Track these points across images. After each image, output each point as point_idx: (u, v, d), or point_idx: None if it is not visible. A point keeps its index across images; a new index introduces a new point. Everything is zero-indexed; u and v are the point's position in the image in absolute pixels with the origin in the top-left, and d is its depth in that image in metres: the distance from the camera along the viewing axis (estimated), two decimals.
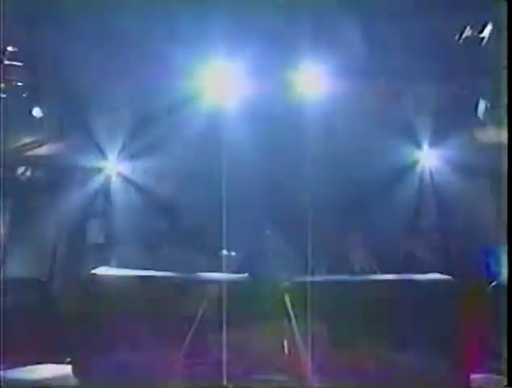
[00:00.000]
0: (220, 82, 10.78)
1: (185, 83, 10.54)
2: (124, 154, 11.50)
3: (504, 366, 7.66)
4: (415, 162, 11.57)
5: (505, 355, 7.60)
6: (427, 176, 11.62)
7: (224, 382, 9.25)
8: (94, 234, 11.70)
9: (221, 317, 9.76)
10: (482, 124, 10.82)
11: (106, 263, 11.21)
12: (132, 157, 11.48)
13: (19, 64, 10.31)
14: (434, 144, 11.38)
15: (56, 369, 9.38)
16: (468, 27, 9.81)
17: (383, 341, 9.78)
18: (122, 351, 9.67)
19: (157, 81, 10.41)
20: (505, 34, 8.20)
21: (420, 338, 9.65)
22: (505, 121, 8.51)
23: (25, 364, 9.27)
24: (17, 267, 10.82)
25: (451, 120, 11.05)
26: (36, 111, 10.97)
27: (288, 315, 10.11)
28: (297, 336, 9.97)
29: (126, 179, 11.65)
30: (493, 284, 9.75)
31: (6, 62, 10.11)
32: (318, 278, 10.59)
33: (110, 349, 9.59)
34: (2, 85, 10.40)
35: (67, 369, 9.27)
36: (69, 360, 9.47)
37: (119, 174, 11.66)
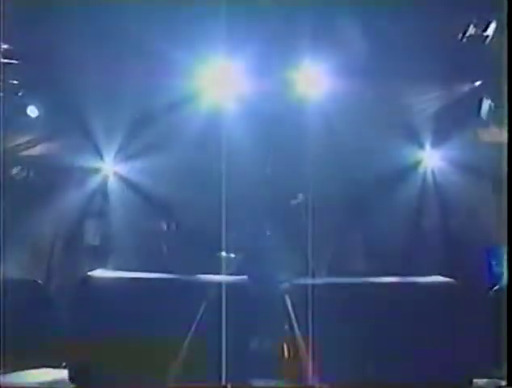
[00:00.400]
0: (220, 82, 10.75)
1: (185, 83, 10.51)
2: (122, 154, 11.45)
3: (504, 367, 7.60)
4: (418, 163, 11.52)
5: (506, 355, 7.53)
6: (430, 176, 11.56)
7: (223, 383, 9.23)
8: (91, 235, 11.66)
9: (221, 319, 9.72)
10: (485, 124, 10.75)
11: (103, 264, 11.17)
12: (130, 157, 11.43)
13: (15, 62, 10.26)
14: (436, 144, 11.32)
15: (54, 373, 9.36)
16: (472, 26, 9.74)
17: (383, 343, 9.75)
18: (120, 353, 9.63)
19: (157, 80, 10.36)
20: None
21: (420, 340, 9.62)
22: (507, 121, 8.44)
23: (20, 368, 9.24)
24: (13, 269, 10.78)
25: (453, 120, 11.00)
26: (31, 110, 10.90)
27: (289, 317, 10.08)
28: (298, 338, 9.94)
29: (123, 179, 11.59)
30: (496, 287, 9.68)
31: (2, 60, 10.05)
32: (318, 280, 10.55)
33: (107, 351, 9.56)
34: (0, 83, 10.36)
35: (64, 373, 9.23)
36: (64, 364, 9.44)
37: (116, 174, 11.61)
